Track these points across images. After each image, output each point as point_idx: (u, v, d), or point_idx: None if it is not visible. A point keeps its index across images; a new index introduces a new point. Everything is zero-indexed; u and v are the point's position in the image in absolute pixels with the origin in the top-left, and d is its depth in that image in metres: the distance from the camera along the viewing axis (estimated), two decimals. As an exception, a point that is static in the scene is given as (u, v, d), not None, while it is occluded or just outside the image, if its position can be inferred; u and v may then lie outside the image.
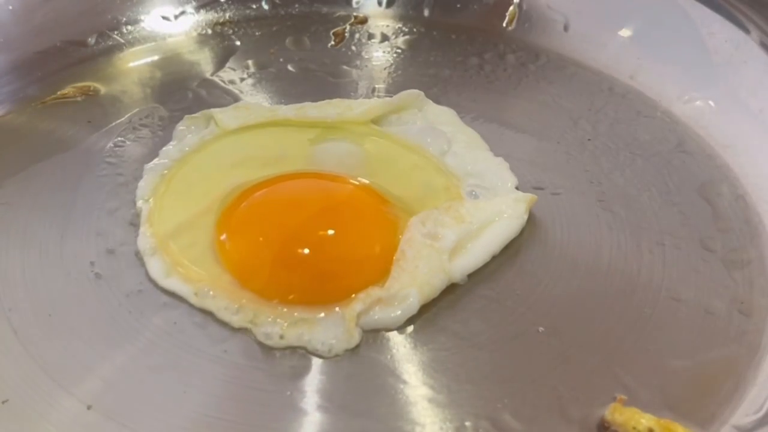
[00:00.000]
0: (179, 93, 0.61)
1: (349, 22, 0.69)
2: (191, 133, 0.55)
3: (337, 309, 0.42)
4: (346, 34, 0.68)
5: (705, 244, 0.48)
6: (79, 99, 0.60)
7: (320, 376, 0.40)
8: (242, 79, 0.63)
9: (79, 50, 0.65)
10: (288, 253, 0.44)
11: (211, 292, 0.43)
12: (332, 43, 0.67)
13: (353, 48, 0.66)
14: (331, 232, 0.46)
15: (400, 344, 0.42)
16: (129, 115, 0.58)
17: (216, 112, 0.56)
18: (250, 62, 0.64)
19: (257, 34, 0.68)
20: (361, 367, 0.41)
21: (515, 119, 0.58)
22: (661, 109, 0.59)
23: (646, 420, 0.37)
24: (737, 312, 0.44)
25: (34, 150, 0.55)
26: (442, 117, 0.56)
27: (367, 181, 0.49)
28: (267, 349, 0.41)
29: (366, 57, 0.65)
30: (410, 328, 0.43)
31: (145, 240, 0.47)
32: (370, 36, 0.68)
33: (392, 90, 0.59)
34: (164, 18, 0.68)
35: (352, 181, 0.49)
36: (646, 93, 0.60)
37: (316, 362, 0.41)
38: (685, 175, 0.53)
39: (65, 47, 0.64)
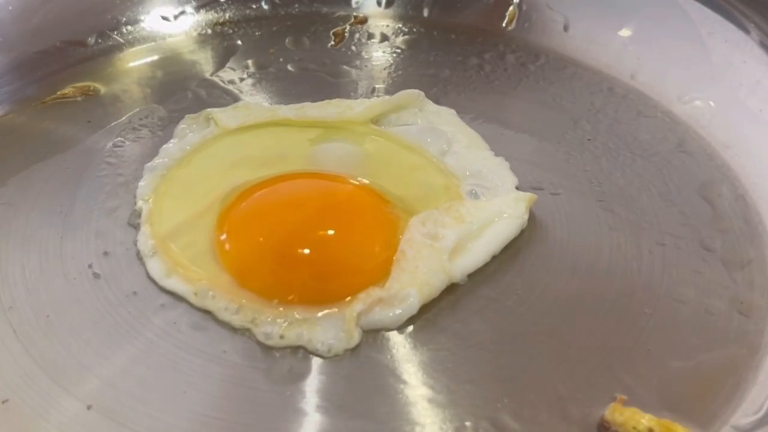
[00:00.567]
0: (179, 93, 0.61)
1: (349, 22, 0.69)
2: (192, 132, 0.55)
3: (337, 309, 0.42)
4: (346, 34, 0.68)
5: (705, 244, 0.48)
6: (79, 99, 0.60)
7: (320, 376, 0.40)
8: (242, 79, 0.63)
9: (78, 50, 0.65)
10: (288, 253, 0.44)
11: (211, 292, 0.43)
12: (332, 43, 0.67)
13: (353, 48, 0.66)
14: (331, 232, 0.46)
15: (400, 344, 0.42)
16: (129, 115, 0.58)
17: (216, 112, 0.56)
18: (250, 62, 0.64)
19: (257, 34, 0.68)
20: (361, 367, 0.41)
21: (515, 119, 0.58)
22: (661, 109, 0.59)
23: (646, 420, 0.37)
24: (737, 312, 0.44)
25: (34, 150, 0.55)
26: (442, 117, 0.56)
27: (367, 181, 0.49)
28: (267, 349, 0.41)
29: (366, 57, 0.65)
30: (410, 328, 0.43)
31: (144, 240, 0.47)
32: (370, 36, 0.68)
33: (392, 90, 0.59)
34: (164, 18, 0.68)
35: (352, 181, 0.49)
36: (646, 93, 0.60)
37: (316, 362, 0.41)
38: (685, 175, 0.53)
39: (65, 47, 0.64)
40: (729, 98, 0.56)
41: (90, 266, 0.46)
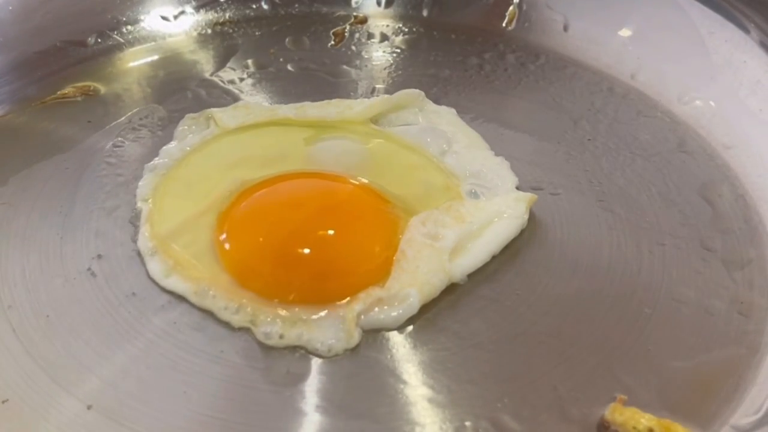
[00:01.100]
0: (179, 93, 0.61)
1: (349, 22, 0.69)
2: (192, 133, 0.55)
3: (337, 309, 0.42)
4: (346, 34, 0.68)
5: (705, 244, 0.48)
6: (79, 99, 0.60)
7: (320, 376, 0.40)
8: (242, 79, 0.63)
9: (78, 50, 0.65)
10: (288, 253, 0.44)
11: (211, 292, 0.43)
12: (332, 43, 0.67)
13: (353, 48, 0.66)
14: (331, 231, 0.46)
15: (400, 344, 0.42)
16: (129, 115, 0.58)
17: (216, 112, 0.56)
18: (249, 62, 0.64)
19: (257, 34, 0.68)
20: (361, 367, 0.41)
21: (515, 119, 0.58)
22: (661, 109, 0.59)
23: (646, 420, 0.37)
24: (737, 312, 0.44)
25: (34, 150, 0.55)
26: (442, 117, 0.56)
27: (366, 181, 0.49)
28: (266, 349, 0.41)
29: (366, 57, 0.65)
30: (410, 328, 0.43)
31: (144, 240, 0.47)
32: (370, 36, 0.68)
33: (392, 90, 0.59)
34: (164, 18, 0.68)
35: (352, 180, 0.49)
36: (646, 93, 0.60)
37: (316, 362, 0.41)
38: (685, 175, 0.53)
39: (65, 47, 0.64)
40: (729, 98, 0.56)
41: (90, 266, 0.46)
